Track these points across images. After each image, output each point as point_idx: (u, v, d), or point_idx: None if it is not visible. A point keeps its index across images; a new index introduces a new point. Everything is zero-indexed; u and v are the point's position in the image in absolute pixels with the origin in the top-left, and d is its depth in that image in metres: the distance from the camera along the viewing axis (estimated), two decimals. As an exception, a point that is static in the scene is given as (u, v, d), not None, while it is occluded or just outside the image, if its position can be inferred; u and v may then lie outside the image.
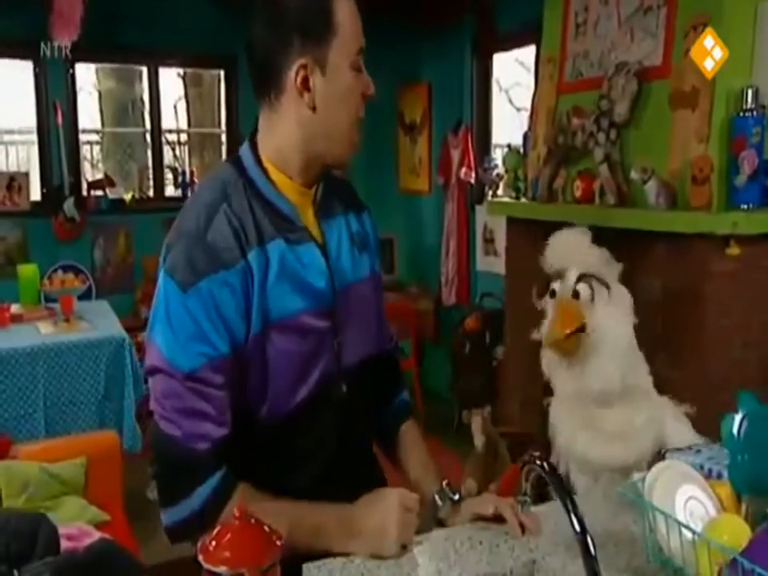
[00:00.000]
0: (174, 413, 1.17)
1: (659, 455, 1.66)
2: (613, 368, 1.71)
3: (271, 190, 1.27)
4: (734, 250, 2.44)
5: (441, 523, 1.36)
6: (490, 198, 4.03)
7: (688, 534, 1.05)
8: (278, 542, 0.93)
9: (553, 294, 1.78)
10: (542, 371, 1.88)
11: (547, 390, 1.99)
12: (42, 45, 4.42)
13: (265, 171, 1.27)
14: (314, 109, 1.22)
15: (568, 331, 1.70)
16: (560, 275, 1.77)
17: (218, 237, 1.18)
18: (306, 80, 1.20)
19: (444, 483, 1.38)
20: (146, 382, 3.71)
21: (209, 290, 1.16)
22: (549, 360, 1.83)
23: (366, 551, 1.18)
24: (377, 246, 1.49)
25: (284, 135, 1.27)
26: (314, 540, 1.19)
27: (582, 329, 1.71)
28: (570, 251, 1.79)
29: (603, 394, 1.72)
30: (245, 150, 1.31)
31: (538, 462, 1.01)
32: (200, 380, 1.16)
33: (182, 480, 1.20)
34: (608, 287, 1.73)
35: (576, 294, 1.73)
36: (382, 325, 1.51)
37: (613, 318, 1.73)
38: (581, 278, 1.73)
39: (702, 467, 1.26)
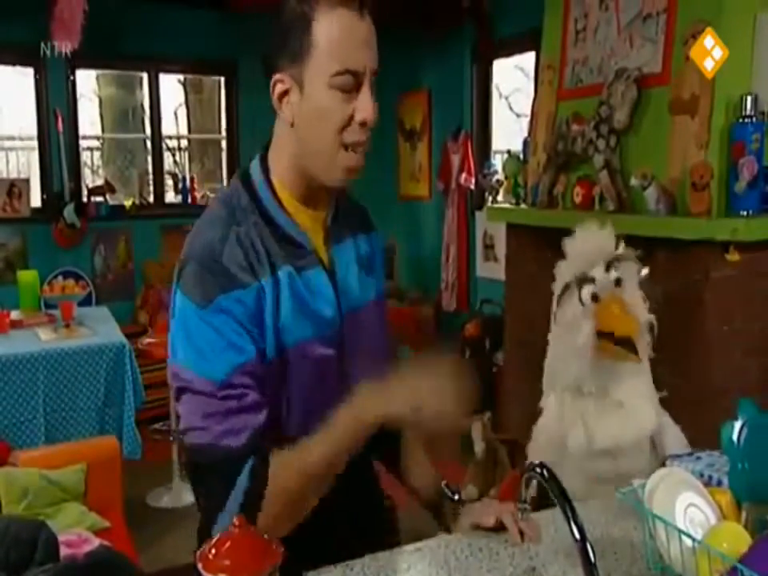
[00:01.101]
0: (206, 420, 1.16)
1: (657, 460, 1.67)
2: (646, 341, 1.70)
3: (280, 213, 1.26)
4: (733, 256, 2.44)
5: (446, 529, 1.36)
6: (490, 204, 4.04)
7: (688, 542, 1.05)
8: (278, 549, 0.93)
9: (595, 298, 1.71)
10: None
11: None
12: (43, 51, 4.43)
13: (274, 192, 1.27)
14: (292, 124, 1.22)
15: (639, 323, 1.67)
16: (585, 278, 1.72)
17: (232, 260, 1.19)
18: (283, 94, 1.21)
19: (443, 483, 1.38)
20: (147, 387, 3.72)
21: (226, 306, 1.16)
22: (586, 368, 1.76)
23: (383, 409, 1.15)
24: (382, 267, 1.49)
25: (280, 148, 1.28)
26: (346, 435, 1.16)
27: None
28: (598, 248, 1.74)
29: (636, 369, 1.71)
30: (254, 167, 1.30)
31: (538, 470, 1.01)
32: (233, 385, 1.15)
33: (223, 480, 1.17)
34: (635, 263, 1.71)
35: (618, 282, 1.69)
36: (390, 345, 1.48)
37: (641, 299, 1.72)
38: (607, 267, 1.70)
39: (701, 474, 1.26)
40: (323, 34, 1.15)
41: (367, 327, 1.36)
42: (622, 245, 1.76)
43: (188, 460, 1.22)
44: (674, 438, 1.73)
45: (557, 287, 1.79)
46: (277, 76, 1.20)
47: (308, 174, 1.25)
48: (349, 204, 1.43)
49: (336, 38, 1.16)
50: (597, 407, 1.74)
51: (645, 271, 1.75)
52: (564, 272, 1.78)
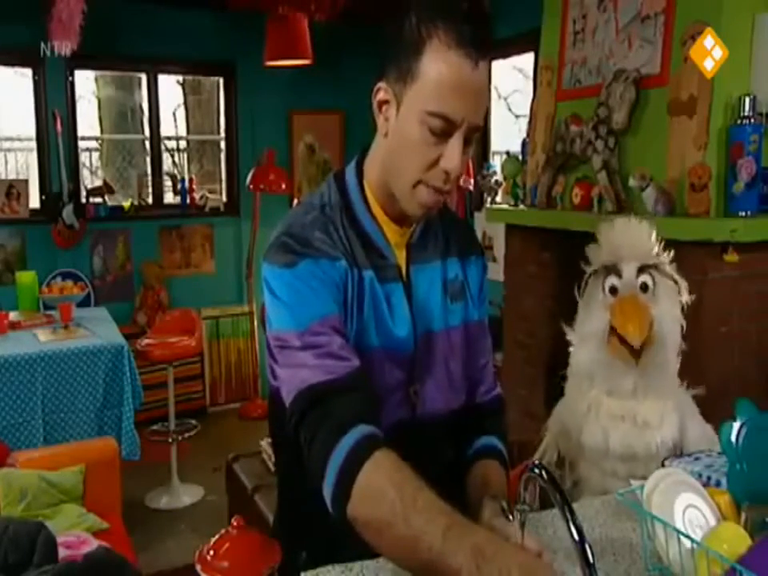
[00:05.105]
0: (301, 369, 1.13)
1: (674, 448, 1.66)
2: (674, 362, 1.68)
3: (368, 219, 1.25)
4: (732, 257, 2.44)
5: None
6: (488, 204, 4.04)
7: (687, 543, 1.05)
8: (276, 550, 0.93)
9: (613, 290, 1.69)
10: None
11: (548, 397, 1.97)
12: (42, 52, 4.42)
13: (365, 198, 1.26)
14: (385, 135, 1.20)
15: (644, 333, 1.62)
16: (614, 269, 1.69)
17: (320, 240, 1.19)
18: (382, 103, 1.19)
19: (504, 503, 1.23)
20: (146, 388, 3.71)
21: (312, 268, 1.16)
22: (596, 356, 1.76)
23: None
24: (481, 293, 1.41)
25: (374, 156, 1.26)
26: (474, 560, 0.93)
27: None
28: (630, 243, 1.70)
29: (663, 387, 1.69)
30: (351, 168, 1.29)
31: (537, 471, 1.01)
32: (318, 333, 1.13)
33: (325, 428, 1.08)
34: (674, 280, 1.69)
35: (644, 287, 1.66)
36: (479, 375, 1.42)
37: (674, 310, 1.69)
38: (640, 270, 1.67)
39: (700, 475, 1.26)
40: (430, 68, 1.10)
41: (446, 352, 1.32)
42: (663, 253, 1.72)
43: (294, 420, 1.13)
44: (696, 442, 1.71)
45: (588, 270, 1.77)
46: (381, 84, 1.18)
47: (391, 191, 1.22)
48: (450, 224, 1.38)
49: (440, 78, 1.10)
50: (613, 407, 1.73)
51: (683, 296, 1.70)
52: (594, 257, 1.76)
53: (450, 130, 1.12)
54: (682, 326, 1.73)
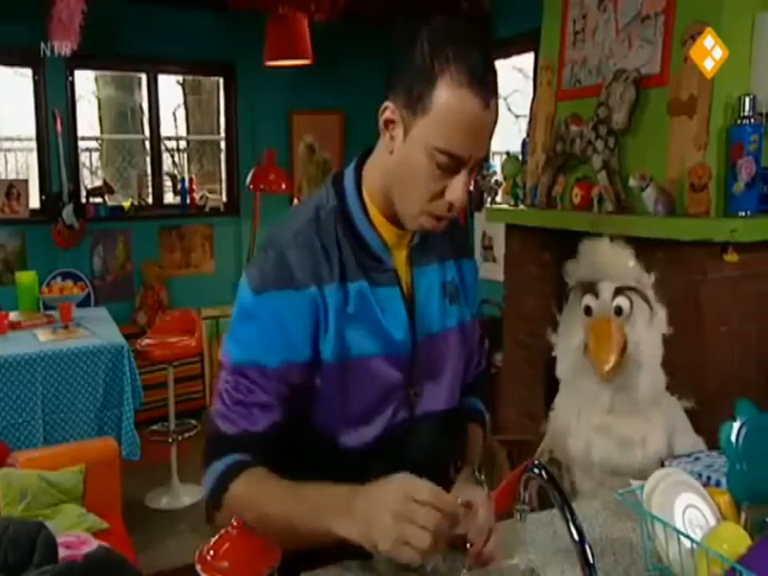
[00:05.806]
0: (224, 392, 1.21)
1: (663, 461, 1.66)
2: (651, 382, 1.69)
3: (365, 225, 1.25)
4: (731, 257, 2.44)
5: None
6: (488, 204, 4.04)
7: (687, 543, 1.05)
8: (276, 550, 0.93)
9: (588, 311, 1.71)
10: (552, 377, 1.85)
11: (548, 397, 1.97)
12: (42, 52, 4.42)
13: (362, 203, 1.25)
14: (391, 152, 1.18)
15: (614, 359, 1.65)
16: (591, 288, 1.70)
17: (297, 259, 1.18)
18: (389, 121, 1.17)
19: (476, 467, 1.31)
20: (146, 388, 3.70)
21: (274, 302, 1.18)
22: (575, 368, 1.77)
23: (356, 536, 1.02)
24: (475, 294, 1.45)
25: (375, 164, 1.25)
26: (311, 518, 1.07)
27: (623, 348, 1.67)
28: (607, 264, 1.71)
29: (640, 405, 1.70)
30: (349, 173, 1.28)
31: (537, 471, 1.01)
32: (246, 377, 1.18)
33: (208, 452, 1.23)
34: (650, 305, 1.69)
35: (618, 311, 1.67)
36: (469, 366, 1.47)
37: (652, 333, 1.69)
38: (618, 291, 1.67)
39: (700, 475, 1.26)
40: (440, 105, 1.09)
41: (444, 352, 1.34)
42: (644, 275, 1.72)
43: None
44: (683, 435, 1.72)
45: (568, 285, 1.79)
46: (389, 103, 1.16)
47: (392, 198, 1.22)
48: (447, 226, 1.36)
49: (451, 117, 1.09)
50: (595, 419, 1.74)
51: (661, 322, 1.70)
52: (572, 273, 1.78)
53: (458, 167, 1.13)
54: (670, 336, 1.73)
